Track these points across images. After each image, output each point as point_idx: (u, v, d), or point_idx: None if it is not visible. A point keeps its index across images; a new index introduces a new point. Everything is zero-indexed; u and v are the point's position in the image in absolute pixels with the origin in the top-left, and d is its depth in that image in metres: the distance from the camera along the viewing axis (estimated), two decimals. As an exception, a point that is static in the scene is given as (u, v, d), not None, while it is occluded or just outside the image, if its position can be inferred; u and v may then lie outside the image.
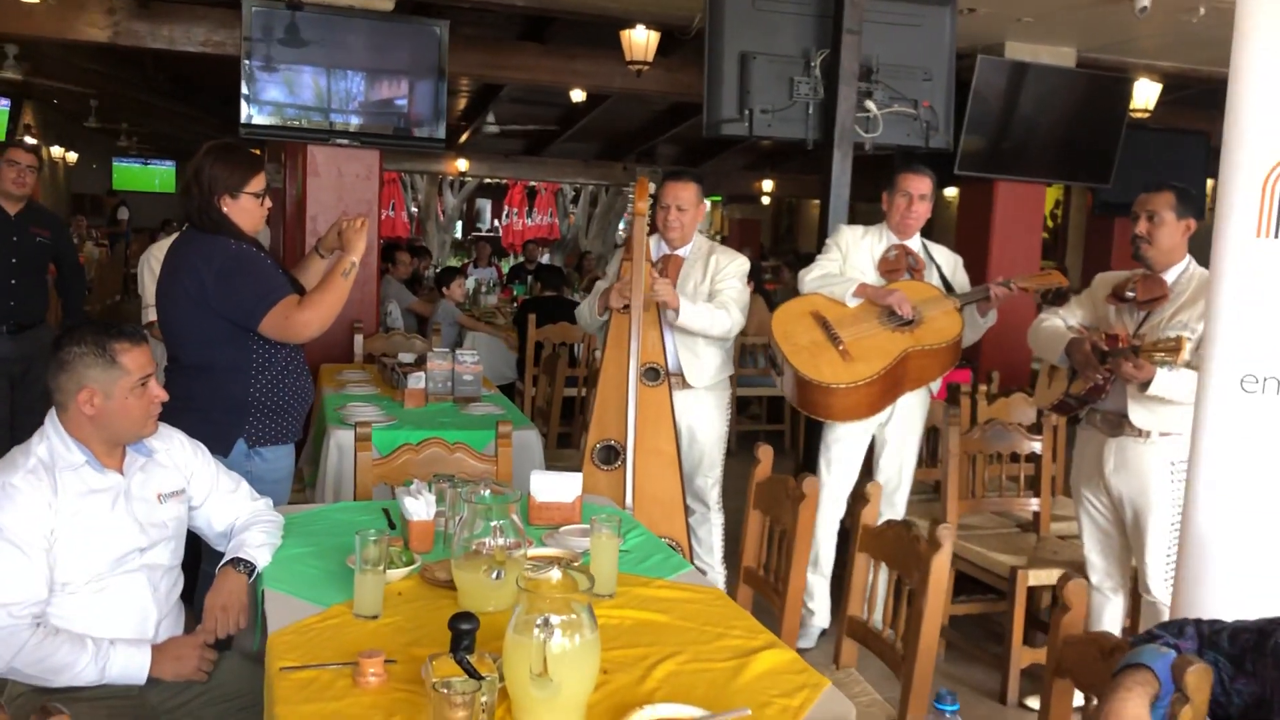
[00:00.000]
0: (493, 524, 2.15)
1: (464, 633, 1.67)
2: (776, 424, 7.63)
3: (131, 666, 2.21)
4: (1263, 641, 1.62)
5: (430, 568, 2.37)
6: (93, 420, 2.24)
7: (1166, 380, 3.15)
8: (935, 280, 4.05)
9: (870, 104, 4.89)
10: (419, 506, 2.52)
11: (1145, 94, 7.73)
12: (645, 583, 2.38)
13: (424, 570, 2.35)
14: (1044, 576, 3.71)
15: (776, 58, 4.82)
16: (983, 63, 6.65)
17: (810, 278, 4.01)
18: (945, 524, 2.34)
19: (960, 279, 4.12)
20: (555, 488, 2.78)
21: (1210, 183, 8.48)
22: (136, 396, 2.26)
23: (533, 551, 2.34)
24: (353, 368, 5.41)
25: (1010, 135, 6.95)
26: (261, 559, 2.41)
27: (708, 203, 4.08)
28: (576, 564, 2.35)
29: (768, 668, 1.95)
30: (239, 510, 2.54)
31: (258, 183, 3.12)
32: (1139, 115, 7.68)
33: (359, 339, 5.83)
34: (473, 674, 1.62)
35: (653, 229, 3.97)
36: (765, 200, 17.83)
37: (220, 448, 2.90)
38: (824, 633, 4.14)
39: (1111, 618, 3.59)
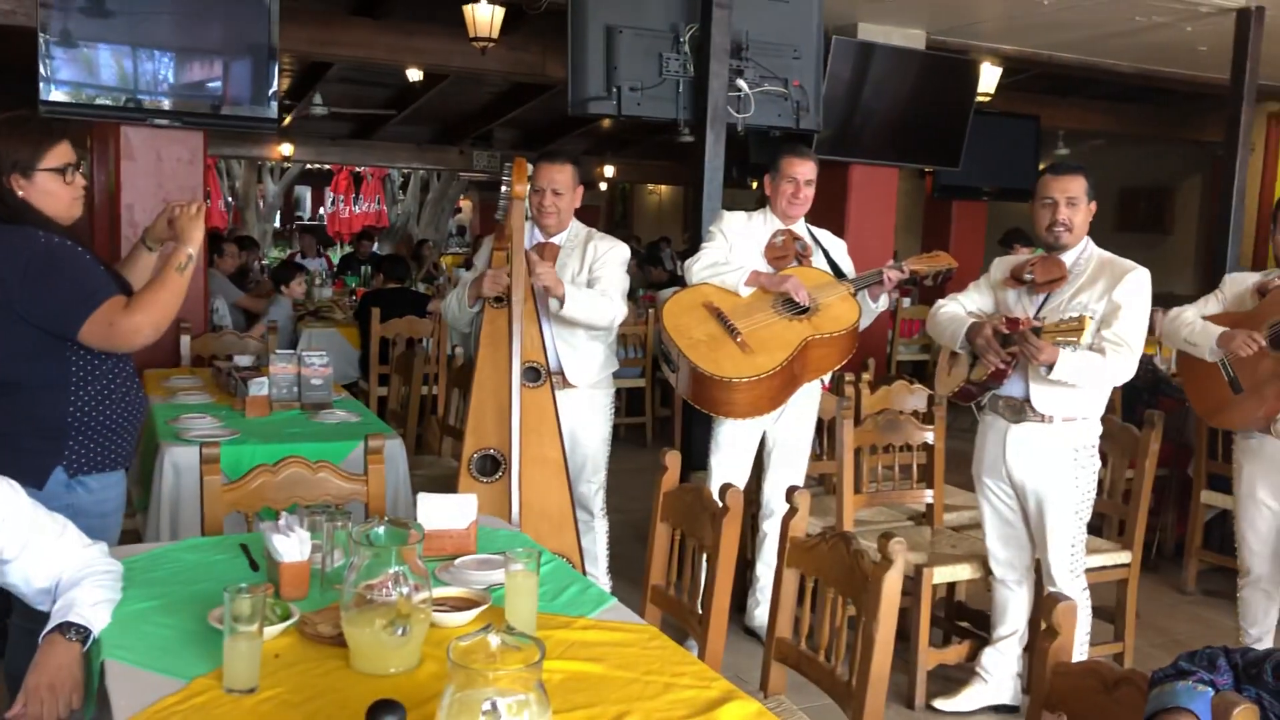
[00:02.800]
0: (392, 570, 1.80)
1: (388, 727, 1.32)
2: (637, 417, 7.39)
3: None
4: None
5: (310, 619, 1.98)
6: None
7: (1071, 362, 3.08)
8: (823, 265, 3.88)
9: (741, 82, 4.68)
10: (291, 545, 2.13)
11: (988, 78, 7.82)
12: (566, 623, 2.06)
13: (303, 623, 1.97)
14: (949, 573, 3.58)
15: (644, 32, 4.55)
16: (837, 43, 6.55)
17: (698, 267, 3.77)
18: (897, 538, 2.11)
19: (848, 263, 3.95)
20: (447, 513, 2.42)
21: (1041, 166, 8.68)
22: None
23: (436, 593, 2.00)
24: (181, 373, 4.87)
25: (860, 117, 6.89)
26: (99, 620, 1.96)
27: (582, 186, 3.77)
28: (485, 607, 2.02)
29: (734, 725, 1.68)
30: (65, 561, 2.08)
31: (57, 156, 2.60)
32: (981, 99, 7.77)
33: (186, 340, 5.27)
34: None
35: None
36: (603, 186, 17.61)
37: (33, 480, 2.43)
38: None
39: (1016, 612, 3.49)
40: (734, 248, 3.81)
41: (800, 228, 3.89)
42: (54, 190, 2.60)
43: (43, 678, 1.87)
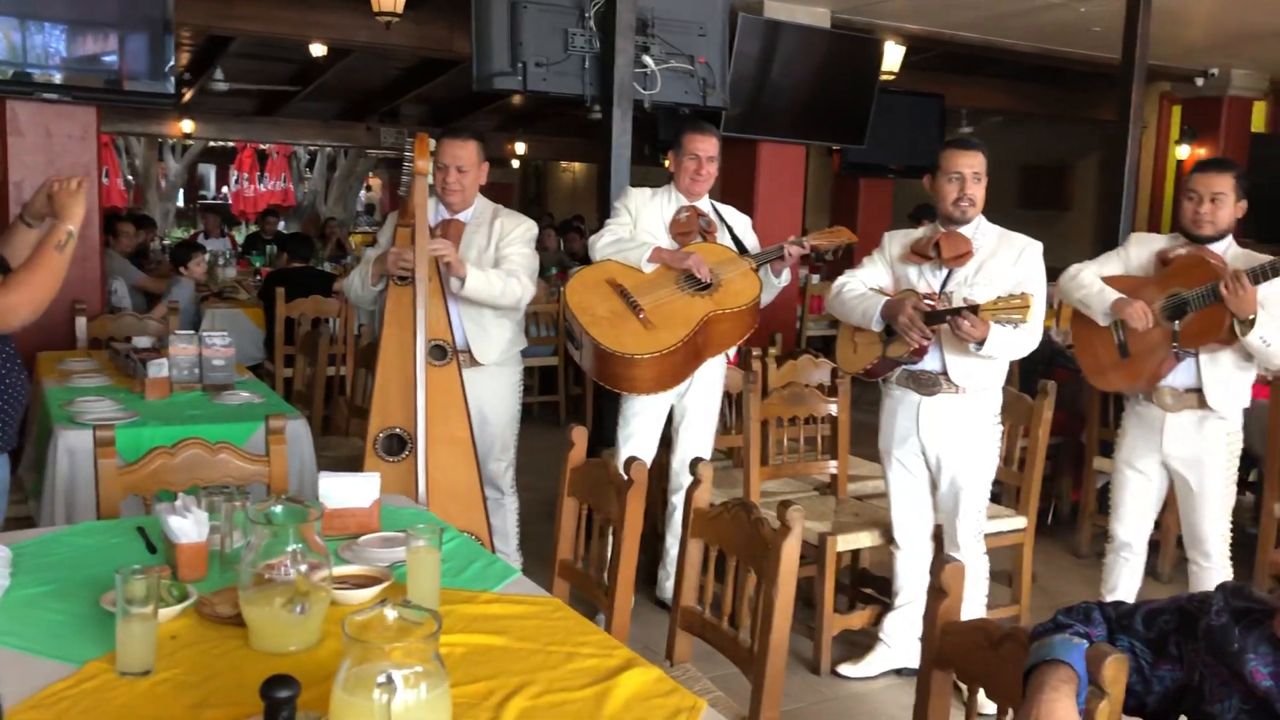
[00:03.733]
0: (290, 548, 1.78)
1: (282, 702, 1.31)
2: (550, 395, 7.38)
3: None
4: (1188, 623, 1.52)
5: (209, 600, 1.96)
6: None
7: (999, 336, 3.15)
8: (727, 241, 3.91)
9: (648, 59, 4.69)
10: (188, 526, 2.10)
11: (892, 57, 7.94)
12: (470, 597, 2.07)
13: (201, 604, 1.95)
14: (851, 540, 3.66)
15: (549, 7, 4.53)
16: (743, 21, 6.58)
17: (602, 244, 3.78)
18: (795, 505, 2.16)
19: (751, 239, 4.00)
20: (349, 491, 2.40)
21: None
22: None
23: (337, 571, 1.99)
24: (77, 355, 4.73)
25: (768, 95, 6.94)
26: (-15, 608, 1.92)
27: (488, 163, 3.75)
28: (388, 584, 2.02)
29: (634, 691, 1.70)
30: (-51, 548, 2.03)
31: None
32: (886, 78, 7.88)
33: (82, 322, 5.12)
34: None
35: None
36: (516, 164, 17.47)
37: (-87, 466, 2.36)
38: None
39: (918, 578, 3.58)
40: (639, 224, 3.83)
41: (704, 204, 3.92)
42: None
43: (-73, 667, 1.82)
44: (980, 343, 3.17)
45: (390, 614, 1.42)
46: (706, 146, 3.81)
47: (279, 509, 1.89)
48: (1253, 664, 1.41)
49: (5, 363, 2.62)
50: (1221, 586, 1.53)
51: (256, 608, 1.79)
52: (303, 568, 1.78)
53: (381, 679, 1.31)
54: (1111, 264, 3.64)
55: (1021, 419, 3.84)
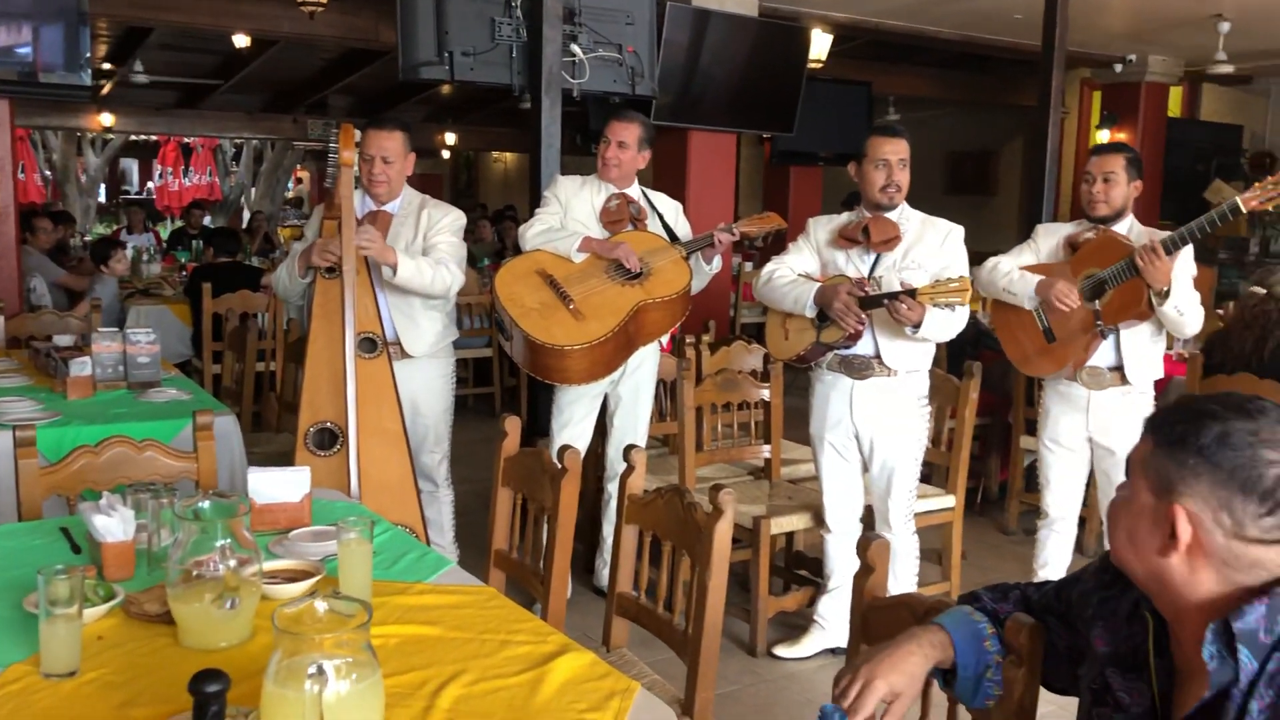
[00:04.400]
0: (218, 543, 1.77)
1: (211, 697, 1.31)
2: (485, 387, 7.35)
3: None
4: (1073, 591, 1.56)
5: (136, 599, 1.93)
6: None
7: (935, 319, 3.21)
8: (658, 228, 3.92)
9: (576, 48, 4.68)
10: (113, 524, 2.07)
11: (819, 45, 8.01)
12: (403, 589, 2.06)
13: (128, 603, 1.92)
14: (786, 523, 3.71)
15: (475, -4, 4.49)
16: (671, 10, 6.59)
17: (532, 233, 3.77)
18: (726, 489, 2.19)
19: (683, 225, 4.01)
20: (279, 486, 2.38)
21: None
22: None
23: (268, 566, 1.97)
24: (-5, 355, 4.61)
25: (698, 84, 6.97)
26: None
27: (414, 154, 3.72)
28: (319, 578, 2.01)
29: (568, 676, 1.71)
30: None
31: None
32: (813, 66, 7.96)
33: (0, 321, 4.98)
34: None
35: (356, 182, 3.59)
36: (446, 155, 17.31)
37: None
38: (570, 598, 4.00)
39: (850, 560, 3.63)
40: (569, 213, 3.82)
41: (635, 191, 3.93)
42: None
43: None
44: (917, 325, 3.22)
45: (321, 606, 1.42)
46: (619, 131, 3.81)
47: (206, 505, 1.87)
48: (1096, 632, 1.44)
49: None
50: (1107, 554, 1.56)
51: (185, 604, 1.77)
52: (231, 563, 1.77)
53: (312, 670, 1.30)
54: (1024, 255, 3.77)
55: (949, 400, 3.91)
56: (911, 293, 3.18)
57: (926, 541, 3.72)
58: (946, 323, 3.27)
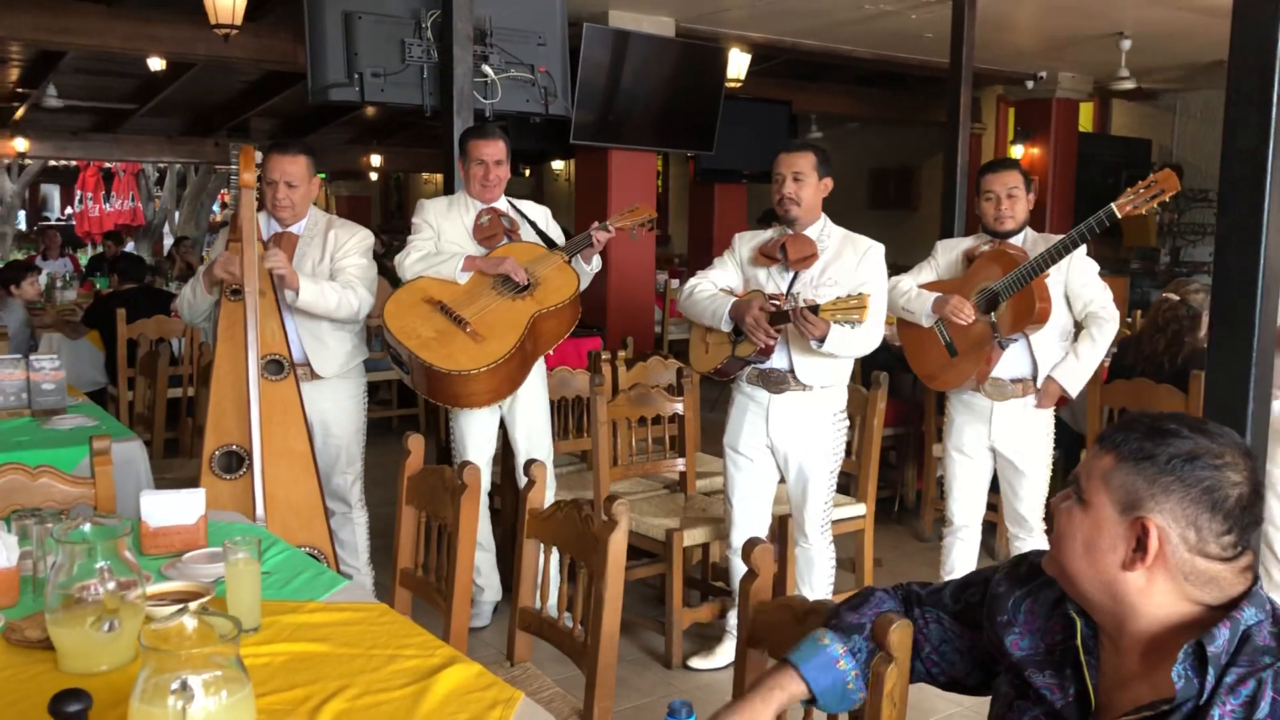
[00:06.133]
0: (98, 565, 1.75)
1: (71, 716, 1.30)
2: (409, 408, 7.31)
3: None
4: (977, 593, 1.60)
5: (17, 626, 1.91)
6: None
7: (838, 335, 3.26)
8: (532, 237, 3.91)
9: (487, 68, 4.71)
10: (-5, 552, 2.04)
11: (737, 64, 8.13)
12: (294, 608, 2.06)
13: (9, 630, 1.89)
14: (699, 535, 3.74)
15: (385, 18, 4.52)
16: (589, 31, 6.67)
17: (409, 262, 3.74)
18: (621, 499, 2.21)
19: (555, 230, 4.00)
20: (172, 509, 2.36)
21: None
22: None
23: (152, 588, 1.96)
24: (-106, 386, 4.48)
25: (619, 104, 7.04)
26: None
27: (320, 177, 3.71)
28: (208, 599, 1.99)
29: (452, 687, 1.73)
30: None
31: None
32: (732, 85, 8.07)
33: (-100, 351, 4.86)
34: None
35: (261, 205, 3.57)
36: (374, 176, 17.22)
37: None
38: (497, 607, 4.04)
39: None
40: (442, 235, 3.79)
41: (503, 204, 3.89)
42: None
43: None
44: (821, 340, 3.28)
45: (190, 623, 1.42)
46: (492, 150, 3.79)
47: (88, 528, 1.86)
48: (1012, 636, 1.47)
49: None
50: (1024, 555, 1.60)
51: (64, 628, 1.75)
52: (111, 585, 1.75)
53: (176, 685, 1.30)
54: (925, 272, 3.87)
55: (858, 410, 3.98)
56: (814, 309, 3.24)
57: (842, 550, 3.78)
58: (853, 339, 3.31)
